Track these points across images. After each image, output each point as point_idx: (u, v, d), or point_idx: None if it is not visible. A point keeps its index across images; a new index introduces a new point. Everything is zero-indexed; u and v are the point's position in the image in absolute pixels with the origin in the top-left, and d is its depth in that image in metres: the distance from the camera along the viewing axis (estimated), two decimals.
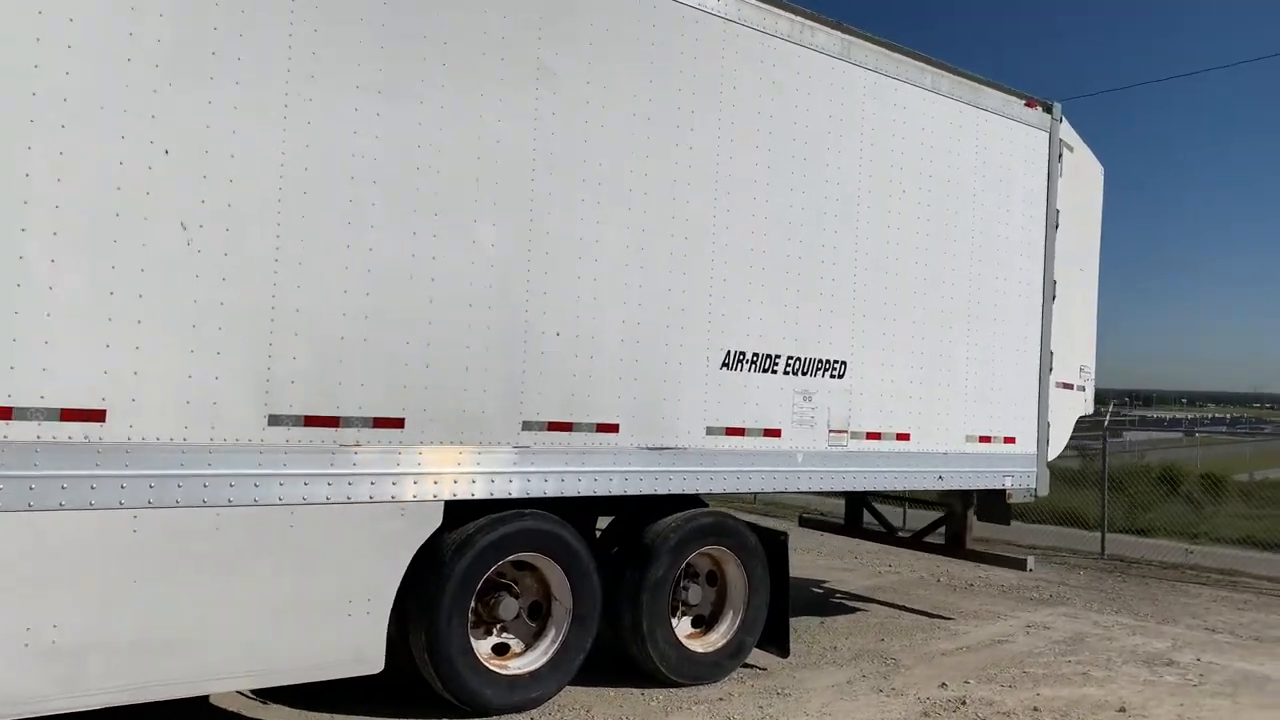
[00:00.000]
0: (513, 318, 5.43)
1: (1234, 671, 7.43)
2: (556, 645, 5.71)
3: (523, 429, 5.48)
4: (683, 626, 6.46)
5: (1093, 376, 9.59)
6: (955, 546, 9.13)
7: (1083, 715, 6.09)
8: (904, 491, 7.66)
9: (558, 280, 5.60)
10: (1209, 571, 12.39)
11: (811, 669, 6.86)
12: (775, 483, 6.69)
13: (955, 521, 9.12)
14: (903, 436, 7.44)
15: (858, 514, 10.05)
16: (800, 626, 8.04)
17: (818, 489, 7.01)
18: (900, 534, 9.75)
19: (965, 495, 8.74)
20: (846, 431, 7.08)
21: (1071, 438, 9.42)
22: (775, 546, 6.75)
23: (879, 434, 7.29)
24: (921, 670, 6.99)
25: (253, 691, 5.53)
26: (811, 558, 11.69)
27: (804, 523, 10.77)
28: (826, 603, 9.22)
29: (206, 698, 5.35)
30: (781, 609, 6.73)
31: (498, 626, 5.68)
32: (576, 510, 5.84)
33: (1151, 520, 15.73)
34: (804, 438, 6.82)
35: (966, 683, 6.74)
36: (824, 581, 10.25)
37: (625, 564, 6.16)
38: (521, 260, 5.47)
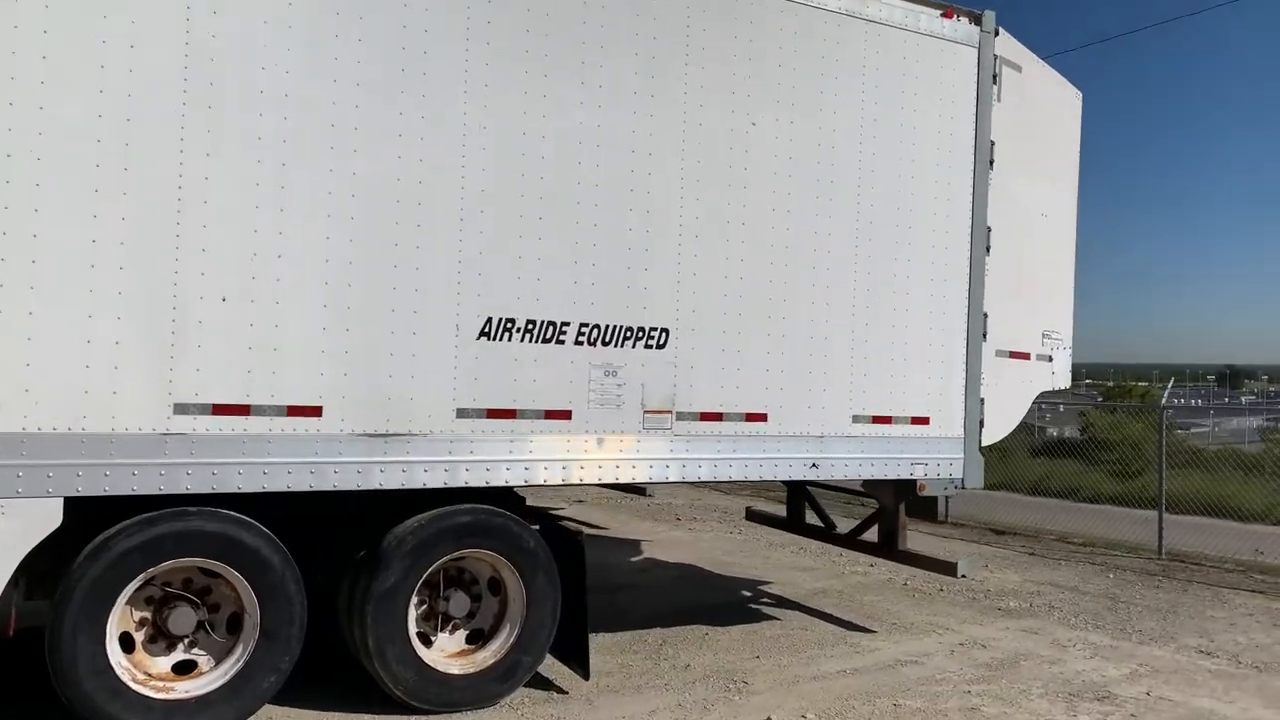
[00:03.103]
0: (154, 280, 4.59)
1: (1181, 713, 5.86)
2: (239, 666, 4.86)
3: (175, 412, 4.64)
4: (449, 643, 5.51)
5: (1066, 344, 7.97)
6: (887, 547, 7.75)
7: None
8: (761, 482, 6.41)
9: (223, 234, 4.73)
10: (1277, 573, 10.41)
11: (624, 694, 5.77)
12: (564, 473, 5.62)
13: (886, 518, 7.73)
14: (756, 417, 6.20)
15: (799, 508, 8.78)
16: (672, 638, 6.93)
17: (629, 480, 5.88)
18: (836, 532, 8.40)
19: (897, 488, 7.35)
20: (670, 412, 5.92)
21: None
22: (569, 550, 5.70)
23: (719, 414, 6.08)
24: (764, 698, 5.78)
25: None
26: (788, 555, 10.42)
27: (751, 517, 9.54)
28: (741, 609, 8.02)
29: None
30: (581, 622, 5.68)
31: (184, 641, 4.89)
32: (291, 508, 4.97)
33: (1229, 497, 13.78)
34: (606, 420, 5.71)
35: (804, 717, 5.51)
36: (768, 583, 9.01)
37: (360, 572, 5.26)
38: (168, 207, 4.61)
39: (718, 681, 6.06)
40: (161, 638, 4.86)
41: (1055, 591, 9.30)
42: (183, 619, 4.82)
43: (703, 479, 6.11)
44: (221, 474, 4.75)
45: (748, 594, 8.59)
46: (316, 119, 4.92)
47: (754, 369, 6.18)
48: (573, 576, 5.67)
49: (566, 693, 5.74)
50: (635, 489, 11.93)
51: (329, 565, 5.54)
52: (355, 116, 5.01)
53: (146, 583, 4.77)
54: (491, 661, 5.47)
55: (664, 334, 5.88)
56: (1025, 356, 7.55)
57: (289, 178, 4.86)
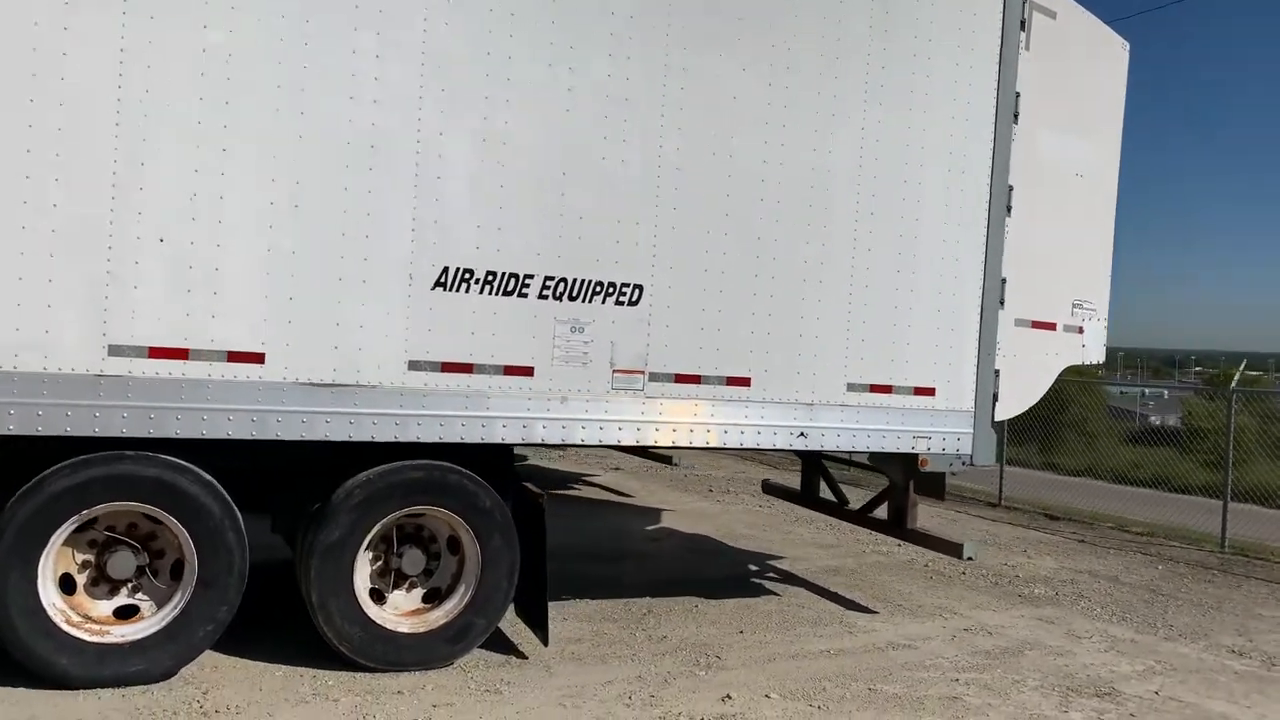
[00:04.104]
0: (89, 218, 4.51)
1: (1188, 715, 5.38)
2: (175, 613, 4.79)
3: (110, 354, 4.57)
4: (404, 600, 5.37)
5: (1101, 315, 7.39)
6: (896, 525, 7.35)
7: None
8: (742, 450, 6.08)
9: (161, 174, 4.61)
10: None
11: (587, 663, 5.55)
12: (524, 432, 5.40)
13: (896, 495, 7.34)
14: (738, 381, 5.88)
15: (814, 481, 8.42)
16: (659, 609, 6.69)
17: (597, 442, 5.62)
18: (849, 508, 8.01)
19: (905, 463, 6.94)
20: (642, 372, 5.64)
21: None
22: (529, 512, 5.50)
23: (697, 376, 5.78)
24: (732, 675, 5.51)
25: None
26: (811, 531, 10.05)
27: (767, 490, 9.21)
28: (743, 583, 7.72)
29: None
30: (541, 587, 5.48)
31: (128, 586, 4.86)
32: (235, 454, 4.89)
33: None
34: (572, 378, 5.47)
35: (768, 697, 5.22)
36: (780, 558, 8.68)
37: (310, 525, 5.15)
38: (105, 144, 4.51)
39: (689, 655, 5.80)
40: (104, 581, 4.82)
41: (1091, 580, 8.75)
42: (122, 563, 4.78)
43: (677, 444, 5.82)
44: (159, 418, 4.66)
45: (755, 568, 8.28)
46: (262, 55, 4.76)
47: (737, 330, 5.85)
48: (535, 540, 5.46)
49: (526, 658, 5.56)
50: (662, 458, 11.74)
51: (288, 517, 5.49)
52: (303, 54, 4.83)
53: (88, 525, 4.74)
54: (443, 622, 5.31)
55: (637, 290, 5.59)
56: (1050, 327, 7.03)
57: (232, 117, 4.71)
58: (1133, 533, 11.72)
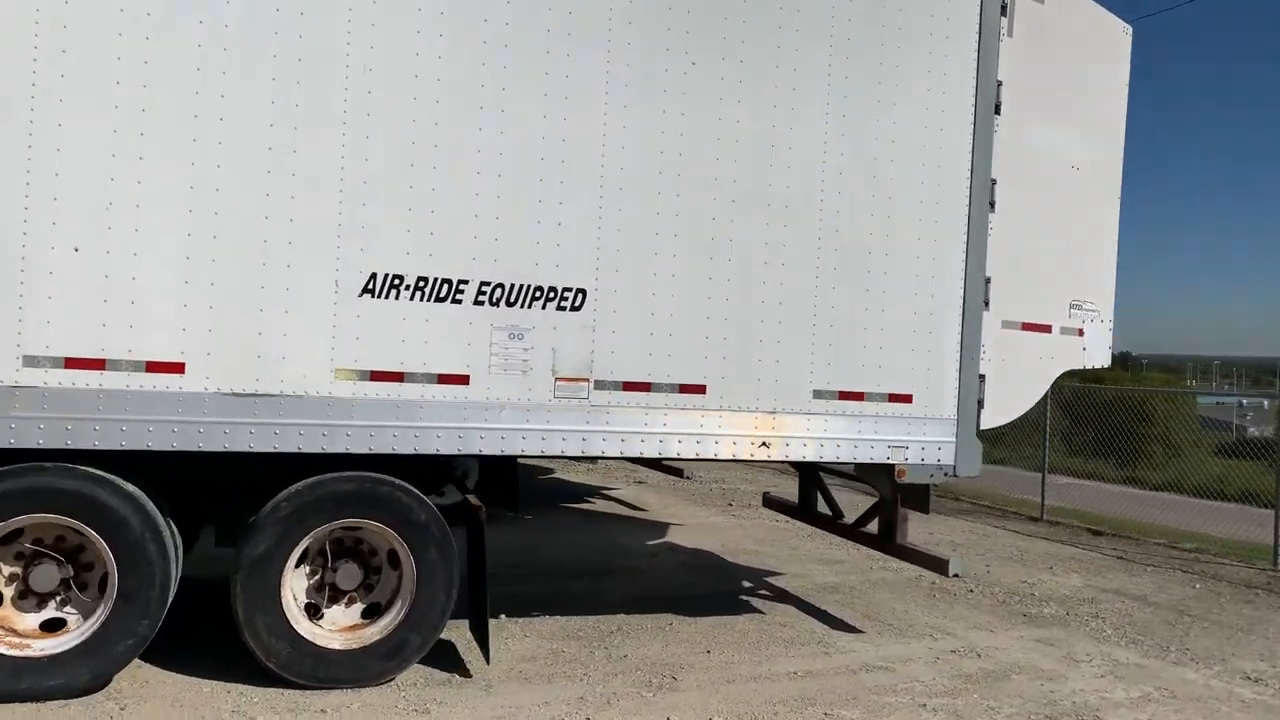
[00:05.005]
0: (2, 227, 4.48)
1: None
2: (95, 627, 4.73)
3: (25, 365, 4.54)
4: (342, 616, 5.23)
5: (1104, 316, 6.95)
6: (886, 539, 6.99)
7: None
8: (698, 459, 5.81)
9: (76, 182, 4.57)
10: None
11: (532, 682, 5.34)
12: (460, 443, 5.22)
13: (885, 508, 6.98)
14: (692, 389, 5.63)
15: (810, 494, 8.10)
16: (631, 626, 6.45)
17: (538, 453, 5.42)
18: (842, 522, 7.65)
19: (891, 474, 6.58)
20: (586, 380, 5.43)
21: None
22: (474, 527, 5.32)
23: (647, 384, 5.55)
24: (681, 697, 5.24)
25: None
26: (819, 546, 9.67)
27: (768, 503, 8.89)
28: (728, 600, 7.42)
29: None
30: (481, 603, 5.30)
31: (56, 599, 4.82)
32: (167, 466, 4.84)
33: None
34: (511, 387, 5.28)
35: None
36: (779, 575, 8.36)
37: (240, 538, 5.05)
38: (18, 153, 4.49)
39: (643, 676, 5.55)
40: (31, 594, 4.79)
41: (1113, 599, 8.23)
42: (45, 576, 4.73)
43: (626, 455, 5.59)
44: (76, 429, 4.61)
45: (748, 585, 7.98)
46: (180, 58, 4.70)
47: (689, 335, 5.60)
48: (478, 555, 5.29)
49: (470, 676, 5.37)
50: (674, 470, 11.49)
51: (230, 531, 5.40)
52: (222, 58, 4.77)
53: (14, 537, 4.71)
54: (377, 638, 5.16)
55: (580, 295, 5.39)
56: (1044, 329, 6.62)
57: (149, 124, 4.66)
58: (1181, 549, 11.06)
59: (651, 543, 9.53)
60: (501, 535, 9.27)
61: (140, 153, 4.66)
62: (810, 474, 7.98)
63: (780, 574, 8.41)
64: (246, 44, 4.78)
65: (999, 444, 15.41)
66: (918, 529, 11.16)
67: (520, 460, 5.77)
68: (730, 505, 12.11)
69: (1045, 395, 13.16)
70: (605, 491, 12.62)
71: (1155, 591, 8.70)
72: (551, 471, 13.93)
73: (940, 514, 12.97)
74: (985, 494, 14.21)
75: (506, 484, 8.52)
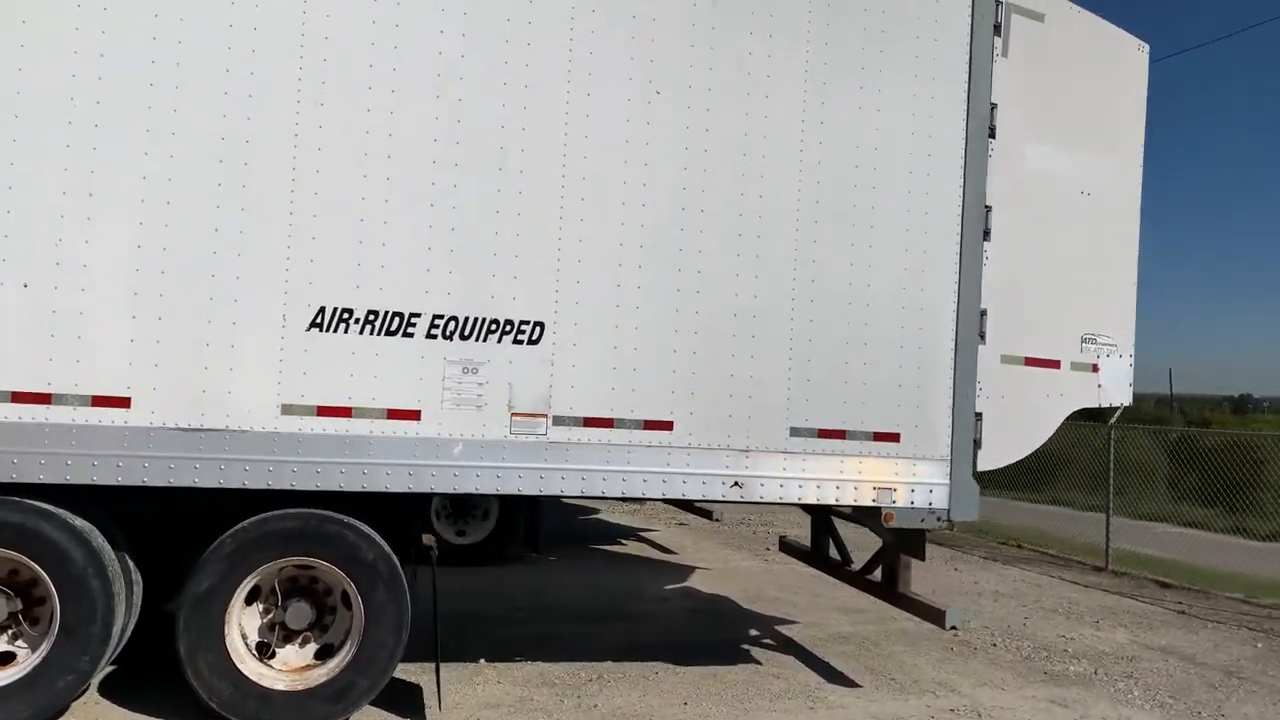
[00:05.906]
0: None
1: None
2: (37, 661, 4.73)
3: None
4: (295, 656, 5.13)
5: (1123, 350, 6.48)
6: (888, 587, 6.60)
7: None
8: (667, 500, 5.55)
9: (25, 220, 4.64)
10: None
11: None
12: (410, 480, 5.10)
13: (887, 554, 6.61)
14: (658, 425, 5.41)
15: (822, 539, 7.74)
16: (613, 675, 6.20)
17: (493, 491, 5.26)
18: (849, 569, 7.27)
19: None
20: (544, 415, 5.27)
21: None
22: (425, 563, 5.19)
23: (609, 420, 5.35)
24: None
25: None
26: (845, 595, 9.13)
27: (784, 548, 8.54)
28: (728, 649, 7.09)
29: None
30: (433, 647, 5.15)
31: (8, 633, 4.85)
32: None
33: None
34: (464, 422, 5.16)
35: None
36: (792, 624, 7.98)
37: (187, 575, 5.01)
38: None
39: None
40: None
41: (1157, 658, 7.61)
42: None
43: (586, 493, 5.39)
44: (22, 463, 4.65)
45: (755, 633, 7.63)
46: (129, 99, 4.77)
47: (655, 369, 5.40)
48: (434, 596, 5.15)
49: None
50: (703, 512, 11.17)
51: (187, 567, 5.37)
52: (173, 97, 4.82)
53: None
54: (323, 680, 5.04)
55: (538, 328, 5.25)
56: (1052, 364, 6.20)
57: (99, 160, 4.73)
58: (1255, 604, 10.25)
59: (670, 587, 9.24)
60: (517, 576, 9.15)
61: (90, 189, 4.72)
62: (821, 516, 7.64)
63: (794, 622, 8.03)
64: (196, 88, 4.83)
65: (1094, 492, 14.41)
66: (964, 577, 10.69)
67: (563, 500, 5.61)
68: (767, 550, 11.71)
69: (1108, 438, 12.67)
70: (642, 533, 12.37)
71: (1209, 650, 8.03)
72: (596, 512, 13.75)
73: (997, 561, 12.34)
74: (1052, 541, 13.48)
75: (529, 524, 8.41)
